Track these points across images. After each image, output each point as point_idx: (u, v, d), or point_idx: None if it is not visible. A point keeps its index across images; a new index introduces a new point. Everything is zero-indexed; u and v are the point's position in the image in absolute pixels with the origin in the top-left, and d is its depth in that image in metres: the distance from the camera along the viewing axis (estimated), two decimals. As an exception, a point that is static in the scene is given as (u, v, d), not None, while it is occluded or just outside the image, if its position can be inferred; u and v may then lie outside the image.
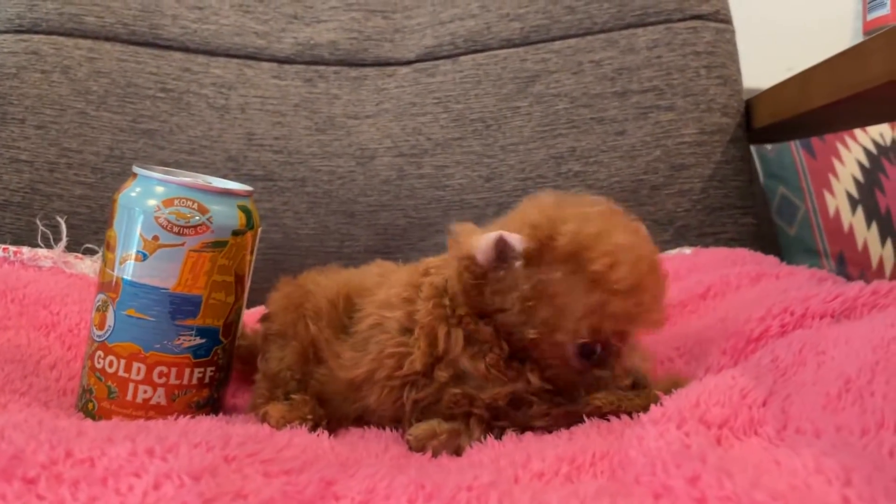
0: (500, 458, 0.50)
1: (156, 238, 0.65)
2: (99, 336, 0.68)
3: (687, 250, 1.03)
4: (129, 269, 0.67)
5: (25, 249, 1.05)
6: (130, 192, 0.67)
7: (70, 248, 1.08)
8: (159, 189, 0.66)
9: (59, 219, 1.08)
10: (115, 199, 0.68)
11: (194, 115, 1.20)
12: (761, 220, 1.17)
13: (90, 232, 1.12)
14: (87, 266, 1.05)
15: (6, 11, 1.24)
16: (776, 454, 0.40)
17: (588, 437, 0.55)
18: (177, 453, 0.44)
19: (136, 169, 0.68)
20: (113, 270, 0.67)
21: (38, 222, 1.07)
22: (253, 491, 0.41)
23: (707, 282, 0.81)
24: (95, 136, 1.17)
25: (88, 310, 0.89)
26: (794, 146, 1.53)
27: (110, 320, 0.67)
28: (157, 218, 0.65)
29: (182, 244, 0.65)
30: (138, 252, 0.66)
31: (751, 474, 0.37)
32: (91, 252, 1.09)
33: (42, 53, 1.20)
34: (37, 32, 1.22)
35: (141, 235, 0.66)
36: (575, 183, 1.12)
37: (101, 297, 0.68)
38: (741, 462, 0.40)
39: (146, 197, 0.66)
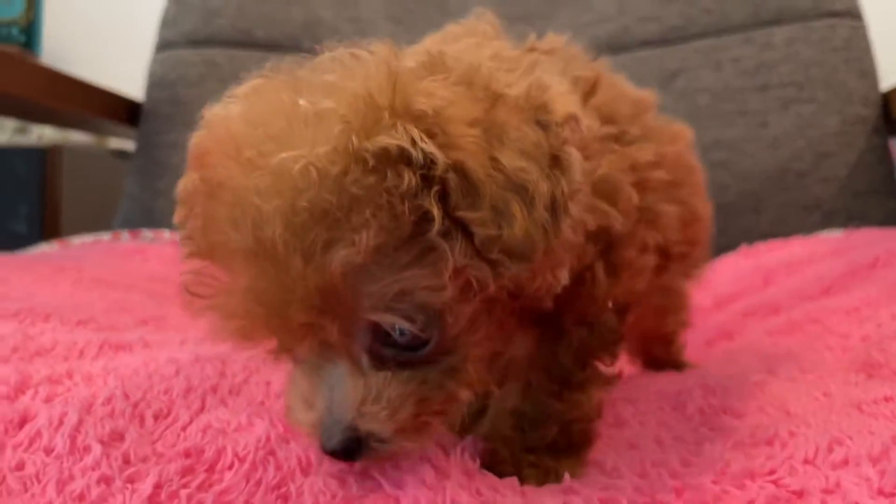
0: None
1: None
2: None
3: (836, 232, 1.07)
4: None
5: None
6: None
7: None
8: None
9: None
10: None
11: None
12: None
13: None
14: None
15: (182, 26, 1.37)
16: None
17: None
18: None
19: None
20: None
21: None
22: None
23: (872, 254, 0.86)
24: (271, 137, 1.28)
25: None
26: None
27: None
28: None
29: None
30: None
31: None
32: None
33: (219, 64, 1.33)
34: (212, 45, 1.34)
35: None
36: (721, 171, 1.17)
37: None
38: None
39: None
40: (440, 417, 0.36)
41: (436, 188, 0.32)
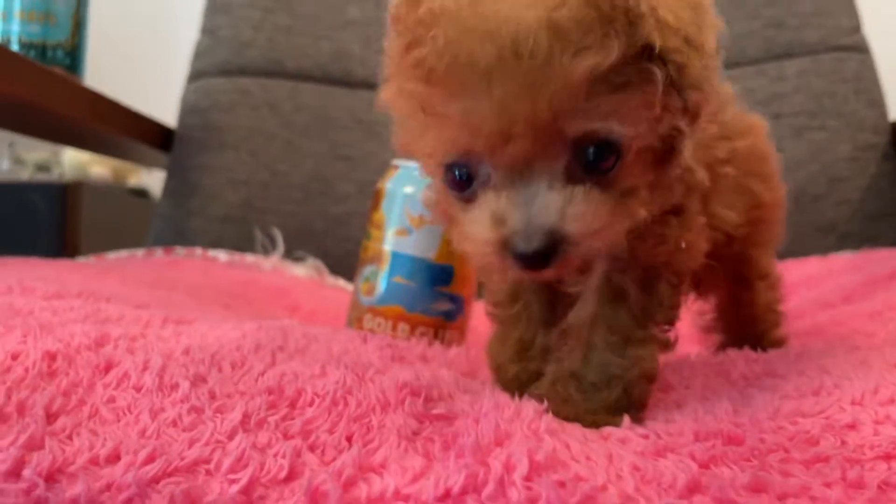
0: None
1: (421, 217, 0.77)
2: (368, 301, 0.79)
3: (851, 254, 1.10)
4: (397, 243, 0.78)
5: (249, 256, 1.19)
6: (396, 180, 0.79)
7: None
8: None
9: (276, 230, 1.23)
10: (382, 188, 0.80)
11: (385, 142, 1.33)
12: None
13: (297, 244, 1.26)
14: (301, 270, 1.18)
15: (214, 57, 1.42)
16: None
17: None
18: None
19: (397, 162, 0.80)
20: (381, 245, 0.79)
21: (258, 233, 1.22)
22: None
23: (890, 267, 0.89)
24: (300, 161, 1.33)
25: (314, 301, 1.02)
26: None
27: (380, 287, 0.79)
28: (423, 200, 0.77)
29: (444, 221, 0.76)
30: (405, 228, 0.79)
31: None
32: (301, 259, 1.23)
33: (251, 92, 1.38)
34: (244, 75, 1.39)
35: (408, 214, 0.77)
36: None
37: (370, 268, 0.80)
38: None
39: (410, 183, 0.78)
40: (624, 227, 0.41)
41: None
